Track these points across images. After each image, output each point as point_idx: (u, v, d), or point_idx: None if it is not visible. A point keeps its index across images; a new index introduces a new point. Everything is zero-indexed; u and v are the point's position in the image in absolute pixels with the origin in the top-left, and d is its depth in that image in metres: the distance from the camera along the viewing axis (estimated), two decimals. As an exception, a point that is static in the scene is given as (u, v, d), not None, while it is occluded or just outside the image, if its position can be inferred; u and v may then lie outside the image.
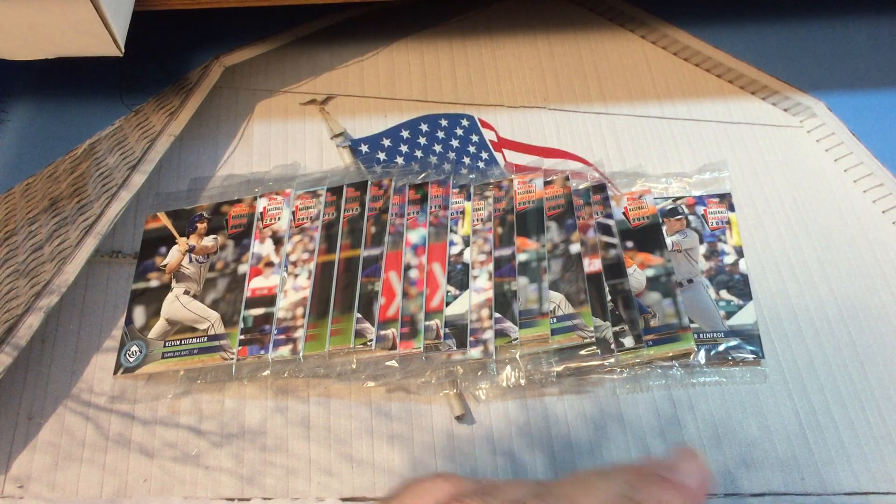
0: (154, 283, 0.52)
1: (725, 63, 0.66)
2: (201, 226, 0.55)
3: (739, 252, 0.54)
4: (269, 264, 0.51)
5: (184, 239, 0.54)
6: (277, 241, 0.52)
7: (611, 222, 0.53)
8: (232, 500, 0.46)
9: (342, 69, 0.66)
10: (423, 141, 0.61)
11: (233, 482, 0.46)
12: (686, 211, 0.55)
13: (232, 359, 0.48)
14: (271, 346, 0.48)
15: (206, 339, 0.49)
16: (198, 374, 0.48)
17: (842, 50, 0.67)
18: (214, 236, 0.54)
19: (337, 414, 0.49)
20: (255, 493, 0.46)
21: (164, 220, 0.55)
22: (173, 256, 0.53)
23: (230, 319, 0.50)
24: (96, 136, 0.62)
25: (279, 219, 0.53)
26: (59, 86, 0.66)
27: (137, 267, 0.54)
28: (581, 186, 0.55)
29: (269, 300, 0.50)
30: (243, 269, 0.52)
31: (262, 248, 0.52)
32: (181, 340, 0.49)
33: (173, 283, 0.52)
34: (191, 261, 0.53)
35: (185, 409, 0.49)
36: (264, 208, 0.54)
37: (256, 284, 0.51)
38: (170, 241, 0.54)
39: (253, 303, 0.50)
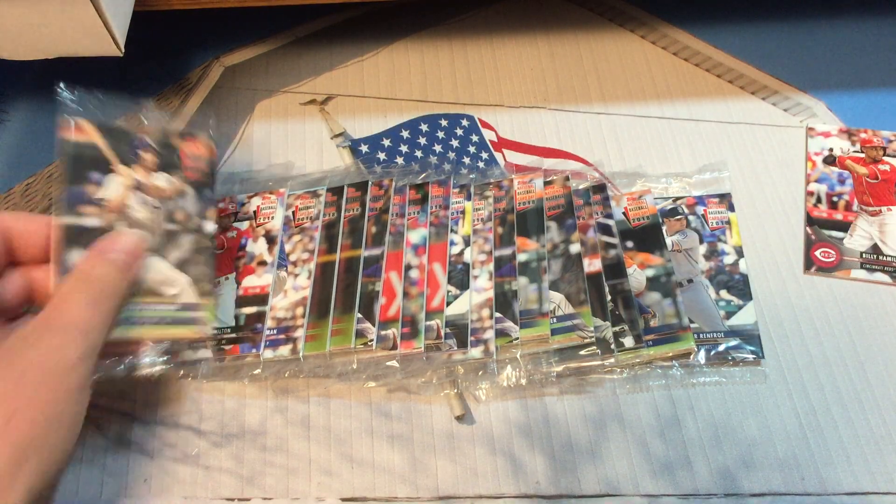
0: (91, 221, 0.41)
1: (725, 63, 0.66)
2: (147, 156, 0.44)
3: (739, 252, 0.54)
4: (262, 263, 0.51)
5: (127, 168, 0.43)
6: (271, 240, 0.52)
7: (611, 222, 0.53)
8: (232, 500, 0.46)
9: (342, 69, 0.66)
10: (423, 141, 0.61)
11: (233, 482, 0.46)
12: (686, 211, 0.55)
13: (207, 333, 0.44)
14: (263, 344, 0.47)
15: (178, 307, 0.43)
16: (189, 372, 0.47)
17: (842, 50, 0.67)
18: (169, 176, 0.45)
19: (337, 414, 0.49)
20: (255, 494, 0.46)
21: (93, 135, 0.42)
22: (114, 189, 0.42)
23: (203, 289, 0.44)
24: (96, 136, 0.61)
25: (273, 218, 0.53)
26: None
27: (62, 192, 0.40)
28: (581, 186, 0.55)
29: (261, 299, 0.49)
30: (210, 226, 0.46)
31: (255, 246, 0.52)
32: (145, 305, 0.41)
33: (121, 228, 0.41)
34: (142, 203, 0.43)
35: (185, 409, 0.49)
36: (258, 207, 0.54)
37: (249, 283, 0.50)
38: (103, 166, 0.42)
39: (245, 301, 0.50)
